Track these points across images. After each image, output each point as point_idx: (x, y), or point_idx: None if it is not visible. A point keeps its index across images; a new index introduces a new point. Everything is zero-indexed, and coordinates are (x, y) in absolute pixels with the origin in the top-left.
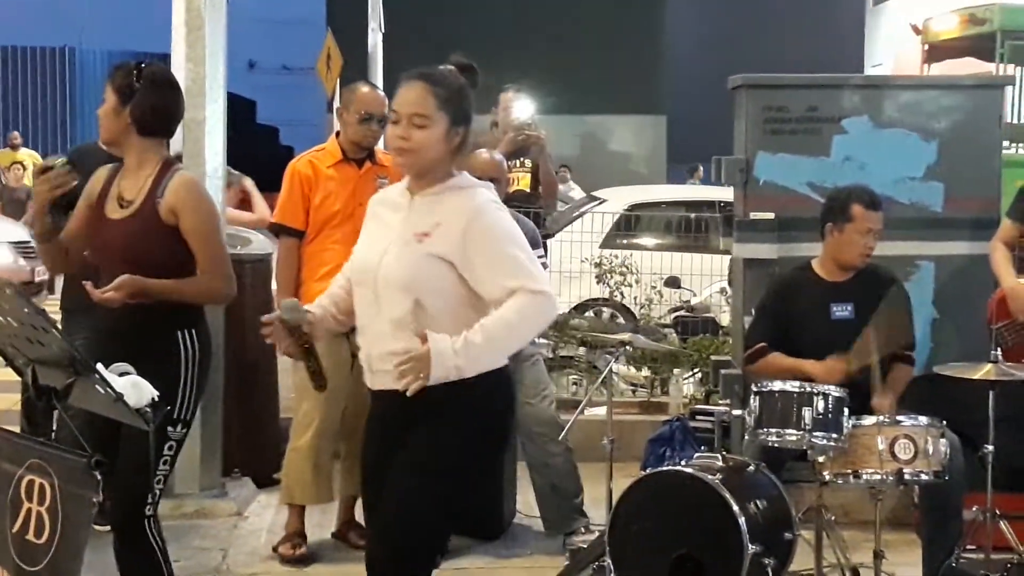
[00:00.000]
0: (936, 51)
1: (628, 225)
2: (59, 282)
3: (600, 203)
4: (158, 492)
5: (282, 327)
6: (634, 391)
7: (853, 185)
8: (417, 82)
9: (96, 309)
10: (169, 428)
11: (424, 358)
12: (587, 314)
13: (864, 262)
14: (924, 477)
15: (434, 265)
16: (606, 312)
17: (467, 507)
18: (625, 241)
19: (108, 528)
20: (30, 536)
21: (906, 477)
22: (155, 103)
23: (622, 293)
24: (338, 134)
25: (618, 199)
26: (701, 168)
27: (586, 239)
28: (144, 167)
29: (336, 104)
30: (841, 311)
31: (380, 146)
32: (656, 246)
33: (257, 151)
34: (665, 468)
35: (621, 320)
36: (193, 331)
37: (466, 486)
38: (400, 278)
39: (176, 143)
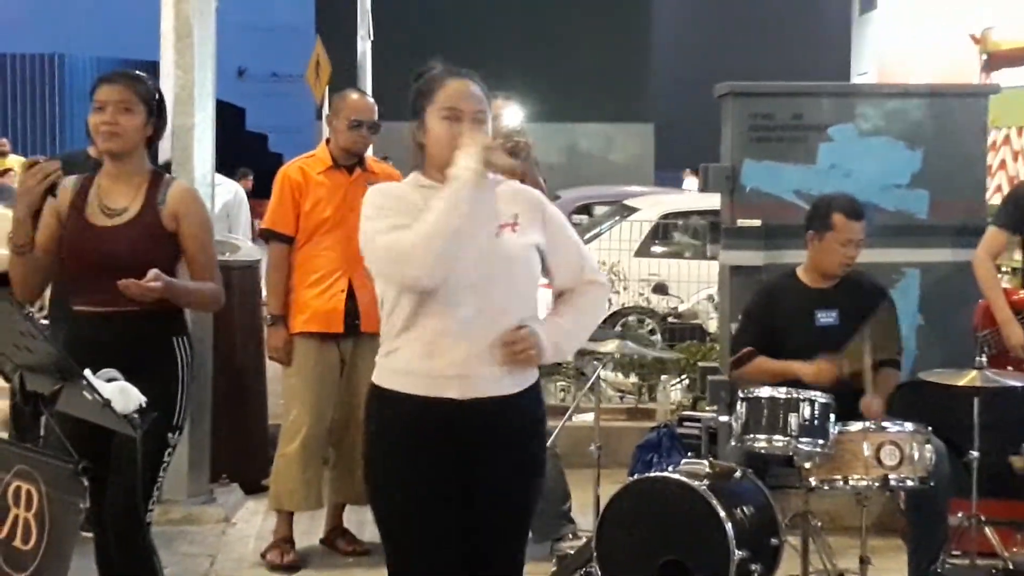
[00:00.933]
0: (996, 60)
1: (662, 234)
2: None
3: (632, 212)
4: (155, 497)
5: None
6: (622, 398)
7: (836, 194)
8: (470, 80)
9: (86, 321)
10: (169, 435)
11: (530, 336)
12: (628, 319)
13: (844, 271)
14: (910, 483)
15: (535, 252)
16: (633, 319)
17: None
18: (660, 250)
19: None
20: (17, 542)
21: (892, 483)
22: (166, 118)
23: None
24: (328, 141)
25: (651, 208)
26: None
27: (623, 247)
28: (136, 176)
29: (325, 111)
30: (826, 318)
31: (369, 153)
32: (692, 254)
33: (246, 158)
34: (652, 474)
35: (654, 327)
36: (184, 337)
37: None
38: (518, 261)
39: (165, 150)
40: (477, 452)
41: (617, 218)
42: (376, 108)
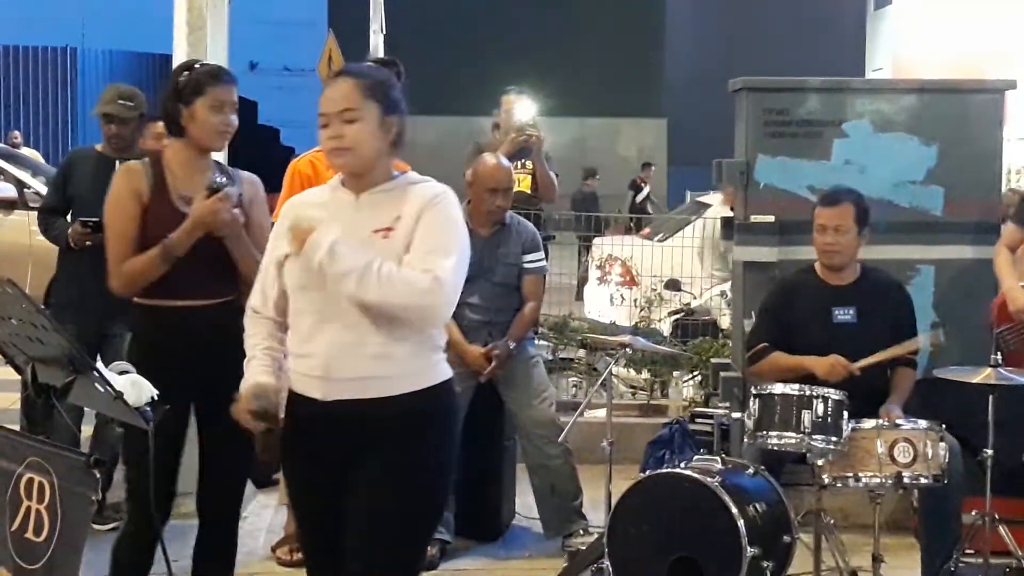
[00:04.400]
0: None
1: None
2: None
3: (707, 209)
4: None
5: (251, 415)
6: (634, 394)
7: (830, 188)
8: (339, 79)
9: (185, 314)
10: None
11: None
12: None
13: (829, 260)
14: (923, 481)
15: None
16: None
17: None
18: None
19: (108, 527)
20: (29, 534)
21: (905, 480)
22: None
23: (623, 296)
24: None
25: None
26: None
27: (695, 244)
28: (198, 162)
29: None
30: (843, 315)
31: None
32: None
33: (259, 152)
34: (664, 471)
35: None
36: None
37: (440, 498)
38: None
39: None
40: (343, 453)
41: (692, 216)
42: None
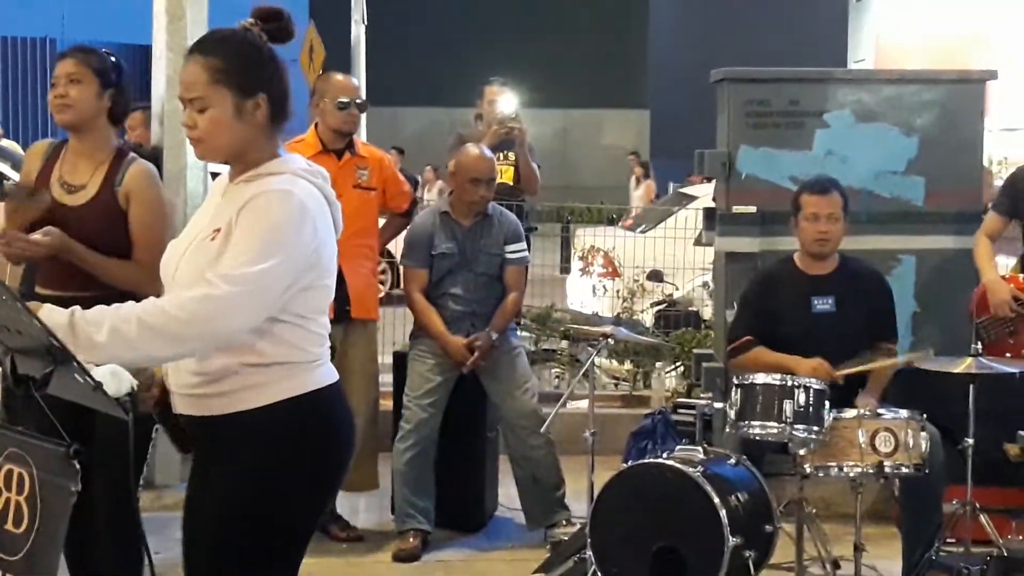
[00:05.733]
0: None
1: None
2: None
3: (692, 200)
4: (141, 484)
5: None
6: (616, 384)
7: (811, 177)
8: (189, 59)
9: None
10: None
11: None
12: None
13: (821, 248)
14: (904, 470)
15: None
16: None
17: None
18: None
19: None
20: (8, 526)
21: (887, 470)
22: (130, 91)
23: (605, 287)
24: (316, 125)
25: (709, 196)
26: None
27: (679, 235)
28: (99, 153)
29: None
30: (822, 304)
31: (363, 137)
32: None
33: None
34: (646, 461)
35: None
36: None
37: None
38: (189, 283)
39: (156, 134)
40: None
41: (676, 207)
42: (360, 88)
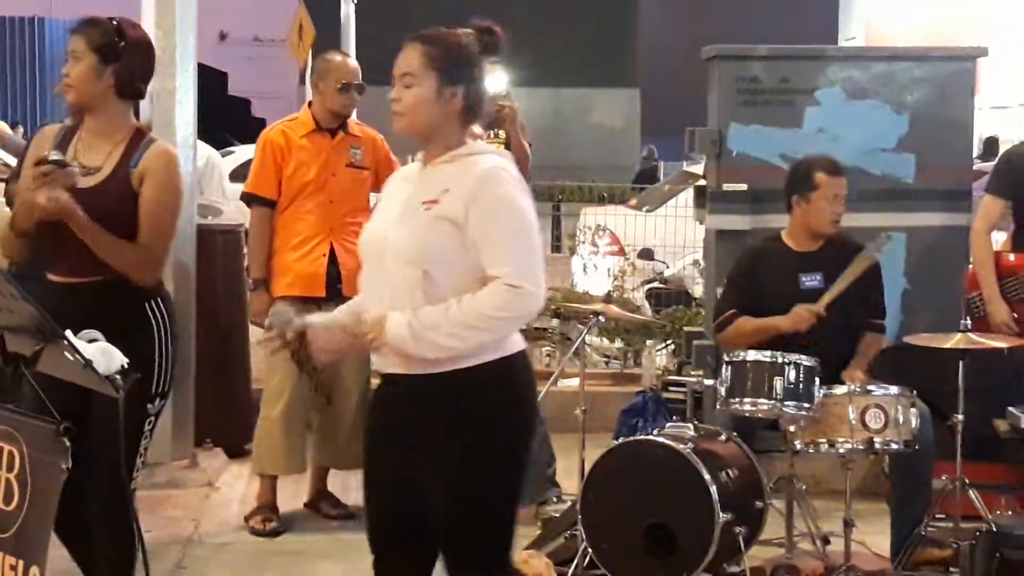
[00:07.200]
0: None
1: None
2: None
3: (697, 179)
4: (139, 466)
5: (273, 332)
6: (607, 362)
7: (813, 155)
8: (410, 43)
9: (56, 291)
10: (149, 404)
11: (380, 323)
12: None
13: (835, 228)
14: (894, 446)
15: (441, 229)
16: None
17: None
18: None
19: None
20: None
21: (876, 446)
22: (141, 64)
23: (596, 266)
24: (310, 104)
25: None
26: None
27: (682, 213)
28: (115, 132)
29: (309, 76)
30: (811, 281)
31: (354, 117)
32: None
33: (229, 123)
34: (637, 438)
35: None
36: (159, 299)
37: (514, 469)
38: (408, 248)
39: (145, 113)
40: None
41: (682, 186)
42: (360, 70)
